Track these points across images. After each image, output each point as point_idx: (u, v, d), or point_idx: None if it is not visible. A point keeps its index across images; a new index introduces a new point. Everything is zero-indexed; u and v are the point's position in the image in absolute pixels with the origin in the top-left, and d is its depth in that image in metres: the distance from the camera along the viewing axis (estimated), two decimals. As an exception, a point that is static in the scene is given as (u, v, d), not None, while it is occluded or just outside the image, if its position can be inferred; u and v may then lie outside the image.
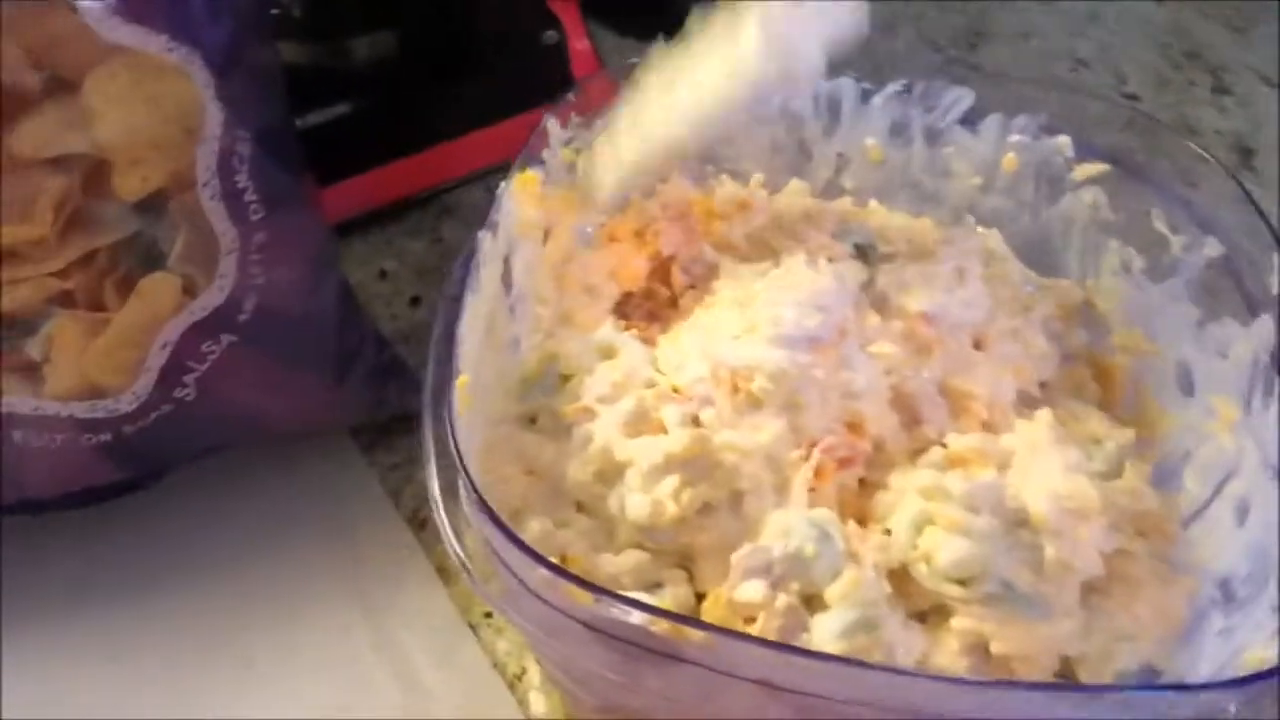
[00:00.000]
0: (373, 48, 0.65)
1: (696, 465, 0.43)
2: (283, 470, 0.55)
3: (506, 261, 0.47)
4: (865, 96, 0.55)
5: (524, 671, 0.49)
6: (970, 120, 0.55)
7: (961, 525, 0.42)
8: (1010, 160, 0.54)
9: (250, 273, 0.47)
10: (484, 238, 0.45)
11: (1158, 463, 0.48)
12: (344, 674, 0.50)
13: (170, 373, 0.47)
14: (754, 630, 0.40)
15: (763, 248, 0.53)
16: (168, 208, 0.45)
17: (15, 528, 0.52)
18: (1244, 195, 0.48)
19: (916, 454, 0.46)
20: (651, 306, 0.51)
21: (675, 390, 0.45)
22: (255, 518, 0.54)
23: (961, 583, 0.42)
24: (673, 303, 0.52)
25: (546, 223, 0.50)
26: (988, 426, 0.47)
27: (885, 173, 0.57)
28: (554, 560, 0.38)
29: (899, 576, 0.43)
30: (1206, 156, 0.50)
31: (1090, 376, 0.52)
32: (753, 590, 0.40)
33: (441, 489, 0.39)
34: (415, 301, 0.63)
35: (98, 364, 0.46)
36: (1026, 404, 0.49)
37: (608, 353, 0.47)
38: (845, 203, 0.56)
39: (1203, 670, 0.41)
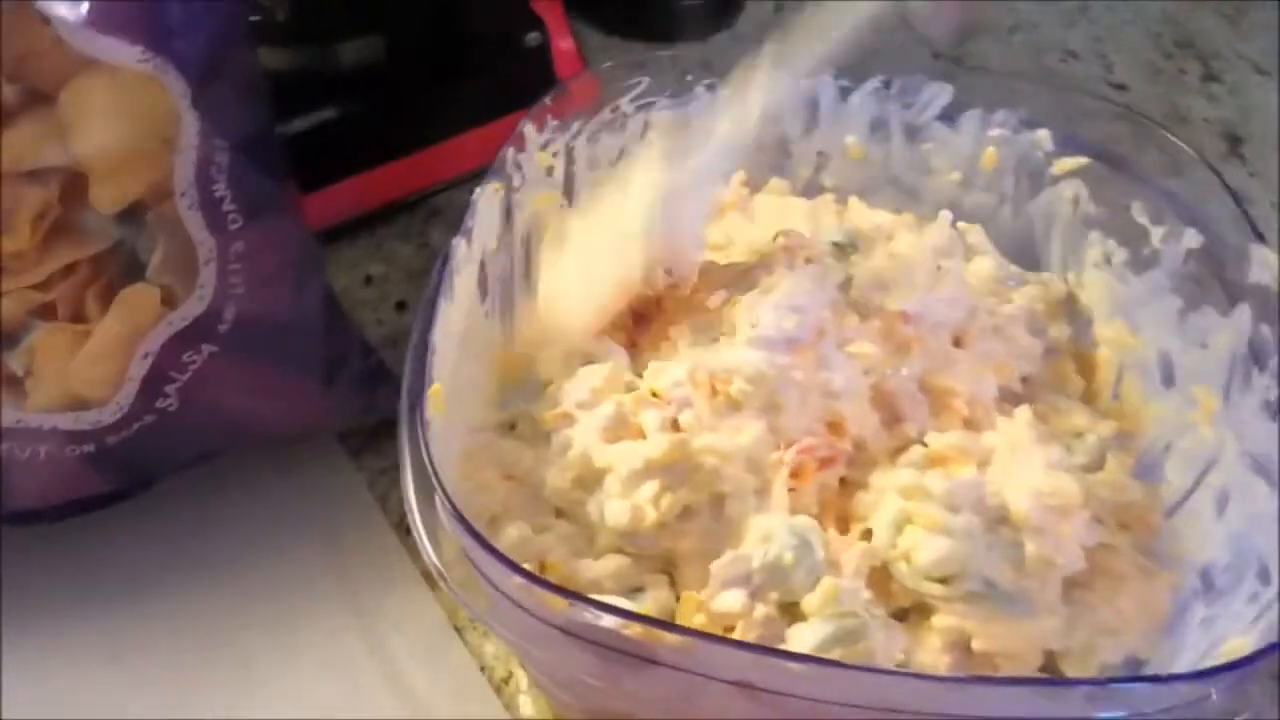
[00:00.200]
0: (358, 52, 0.64)
1: (676, 470, 0.43)
2: (272, 475, 0.56)
3: (482, 267, 0.47)
4: (844, 94, 0.55)
5: (510, 675, 0.49)
6: (949, 116, 0.55)
7: (941, 524, 0.42)
8: (990, 155, 0.54)
9: (230, 282, 0.47)
10: (458, 244, 0.45)
11: (1140, 454, 0.48)
12: (338, 676, 0.50)
13: (152, 383, 0.47)
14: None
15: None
16: (146, 218, 0.45)
17: (13, 532, 0.52)
18: (1224, 187, 0.48)
19: (897, 453, 0.46)
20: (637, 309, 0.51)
21: (654, 395, 0.45)
22: (246, 522, 0.54)
23: (942, 581, 0.42)
24: (657, 303, 0.52)
25: (524, 227, 0.50)
26: (969, 424, 0.47)
27: (866, 170, 0.57)
28: (532, 566, 0.38)
29: (880, 575, 0.43)
30: (1187, 149, 0.50)
31: (1073, 370, 0.52)
32: (731, 600, 0.40)
33: (418, 497, 0.39)
34: (402, 306, 0.63)
35: (80, 376, 0.46)
36: (1008, 400, 0.49)
37: (588, 358, 0.47)
38: (826, 200, 0.56)
39: (1184, 660, 0.41)
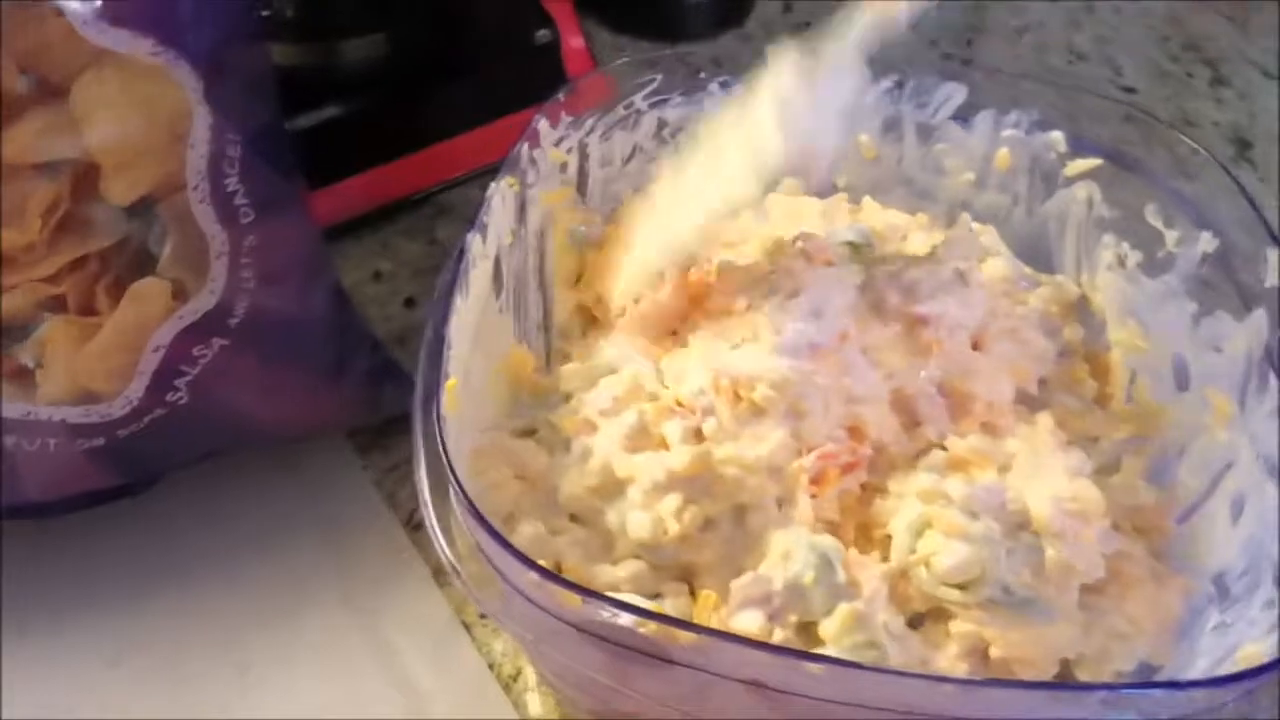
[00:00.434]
0: (366, 49, 0.64)
1: (699, 482, 0.42)
2: (279, 473, 0.55)
3: (497, 263, 0.47)
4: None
5: (519, 673, 0.49)
6: (963, 116, 0.54)
7: (960, 529, 0.42)
8: (1004, 156, 0.54)
9: (241, 276, 0.47)
10: (472, 239, 0.44)
11: (1153, 458, 0.48)
12: (342, 675, 0.50)
13: (162, 377, 0.47)
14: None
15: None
16: (157, 211, 0.45)
17: (14, 531, 0.52)
18: (1238, 189, 0.48)
19: (918, 457, 0.46)
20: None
21: (679, 404, 0.45)
22: (252, 520, 0.54)
23: (961, 587, 0.41)
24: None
25: (537, 223, 0.50)
26: (987, 427, 0.47)
27: (879, 170, 0.57)
28: (547, 566, 0.38)
29: (898, 579, 0.43)
30: (1201, 150, 0.50)
31: (1087, 373, 0.52)
32: (750, 620, 0.40)
33: (432, 493, 0.39)
34: (410, 303, 0.63)
35: (90, 369, 0.46)
36: (1025, 402, 0.49)
37: (611, 368, 0.47)
38: (840, 200, 0.56)
39: (1199, 666, 0.40)
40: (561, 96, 0.51)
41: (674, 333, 0.49)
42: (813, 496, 0.43)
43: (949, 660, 0.41)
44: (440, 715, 0.48)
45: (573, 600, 0.36)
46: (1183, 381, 0.48)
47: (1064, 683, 0.41)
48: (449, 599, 0.51)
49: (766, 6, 0.82)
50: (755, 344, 0.46)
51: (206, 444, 0.52)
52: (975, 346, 0.48)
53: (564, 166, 0.52)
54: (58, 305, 0.45)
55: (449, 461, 0.37)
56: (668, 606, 0.41)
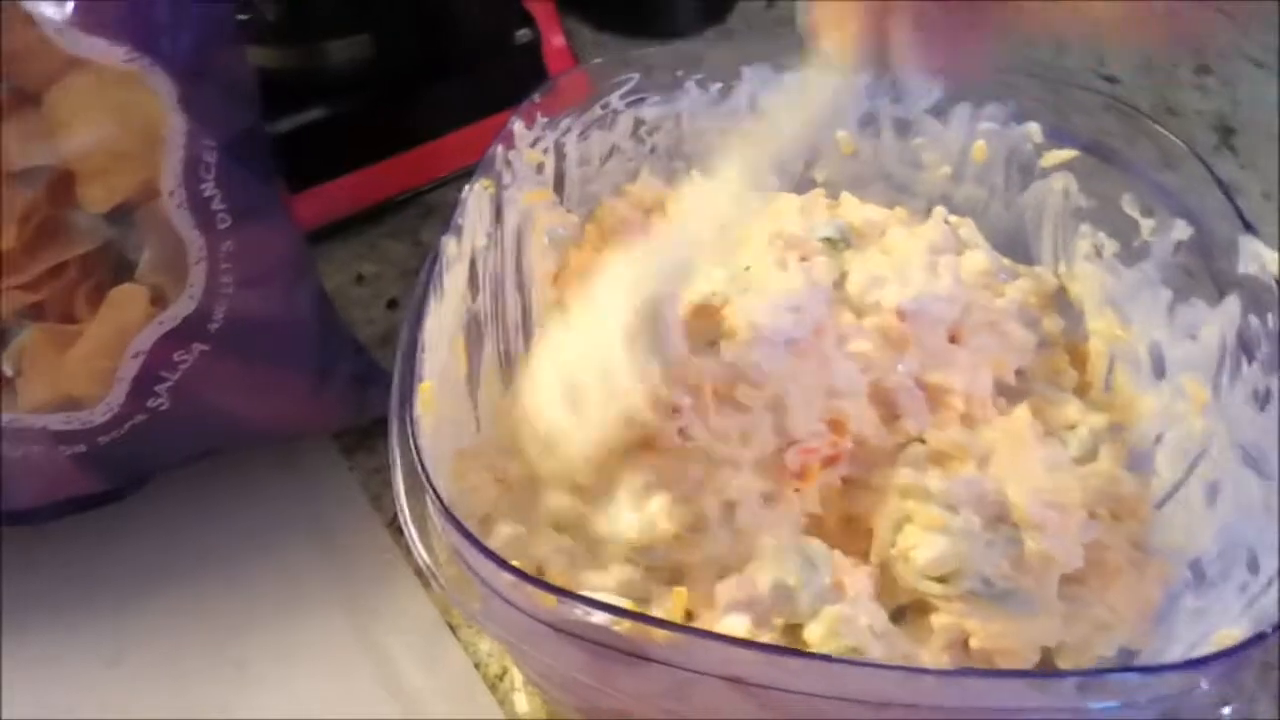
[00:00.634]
0: (348, 51, 0.64)
1: (687, 480, 0.42)
2: (265, 475, 0.56)
3: (472, 265, 0.47)
4: (834, 89, 0.55)
5: (505, 672, 0.49)
6: (940, 110, 0.55)
7: (940, 523, 0.42)
8: (980, 148, 0.54)
9: (220, 281, 0.47)
10: (447, 242, 0.45)
11: (1131, 446, 0.48)
12: (332, 674, 0.50)
13: (143, 382, 0.47)
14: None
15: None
16: (135, 218, 0.45)
17: (12, 534, 0.52)
18: (1213, 178, 0.48)
19: (898, 450, 0.46)
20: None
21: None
22: (239, 522, 0.54)
23: (941, 580, 0.42)
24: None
25: (514, 224, 0.50)
26: (965, 419, 0.47)
27: (857, 164, 0.57)
28: (527, 570, 0.38)
29: (879, 571, 0.43)
30: (1176, 140, 0.50)
31: (1066, 362, 0.52)
32: (737, 623, 0.40)
33: (408, 496, 0.39)
34: (393, 304, 0.63)
35: (70, 375, 0.46)
36: (1004, 394, 0.49)
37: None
38: (818, 195, 0.56)
39: (1176, 651, 0.41)
40: (537, 97, 0.51)
41: None
42: (795, 491, 0.43)
43: (932, 654, 0.41)
44: (429, 715, 0.48)
45: (549, 600, 0.36)
46: (1159, 369, 0.49)
47: (1039, 670, 0.41)
48: (434, 600, 0.52)
49: (748, 5, 0.82)
50: (732, 339, 0.46)
51: (189, 449, 0.52)
52: (953, 339, 0.49)
53: (540, 167, 0.52)
54: (37, 312, 0.45)
55: (422, 463, 0.38)
56: (657, 611, 0.41)
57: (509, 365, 0.51)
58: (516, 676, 0.49)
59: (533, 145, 0.51)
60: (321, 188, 0.64)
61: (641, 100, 0.55)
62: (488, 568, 0.36)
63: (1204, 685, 0.35)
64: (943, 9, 0.36)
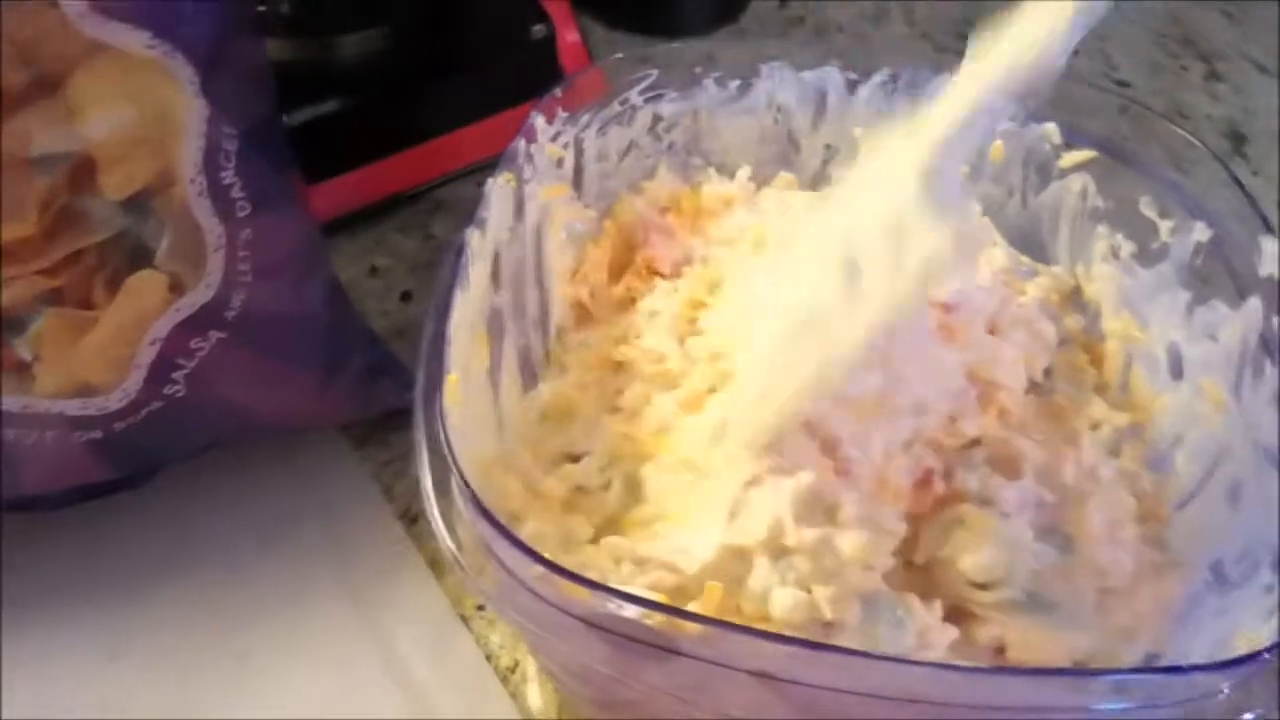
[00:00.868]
0: (362, 44, 0.64)
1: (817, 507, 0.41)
2: (278, 464, 0.55)
3: (495, 259, 0.47)
4: (851, 87, 0.55)
5: (517, 664, 0.49)
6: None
7: (990, 529, 0.42)
8: (998, 148, 0.54)
9: (238, 269, 0.47)
10: (472, 235, 0.44)
11: (1151, 446, 0.48)
12: (342, 667, 0.50)
13: (159, 370, 0.47)
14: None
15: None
16: (154, 205, 0.45)
17: (13, 526, 0.52)
18: (1232, 179, 0.48)
19: (959, 454, 0.45)
20: None
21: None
22: (249, 514, 0.54)
23: (983, 586, 0.41)
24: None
25: (535, 220, 0.50)
26: (1004, 415, 0.47)
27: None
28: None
29: (921, 575, 0.42)
30: (1195, 142, 0.50)
31: (1087, 361, 0.52)
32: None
33: (434, 485, 0.39)
34: (406, 297, 0.63)
35: (87, 362, 0.46)
36: (1032, 391, 0.48)
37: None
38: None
39: (1198, 653, 0.41)
40: (558, 92, 0.51)
41: None
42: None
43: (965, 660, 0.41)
44: (440, 708, 0.48)
45: (579, 593, 0.35)
46: (1177, 370, 0.49)
47: (1072, 669, 0.41)
48: (446, 591, 0.51)
49: (762, 4, 0.82)
50: None
51: (203, 437, 0.52)
52: (990, 334, 0.48)
53: (560, 162, 0.52)
54: (55, 298, 0.45)
55: (454, 457, 0.37)
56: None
57: (528, 363, 0.51)
58: (528, 668, 0.49)
59: (553, 140, 0.51)
60: (333, 181, 0.64)
61: (660, 96, 0.55)
62: (517, 559, 0.36)
63: (1225, 689, 0.35)
64: None
